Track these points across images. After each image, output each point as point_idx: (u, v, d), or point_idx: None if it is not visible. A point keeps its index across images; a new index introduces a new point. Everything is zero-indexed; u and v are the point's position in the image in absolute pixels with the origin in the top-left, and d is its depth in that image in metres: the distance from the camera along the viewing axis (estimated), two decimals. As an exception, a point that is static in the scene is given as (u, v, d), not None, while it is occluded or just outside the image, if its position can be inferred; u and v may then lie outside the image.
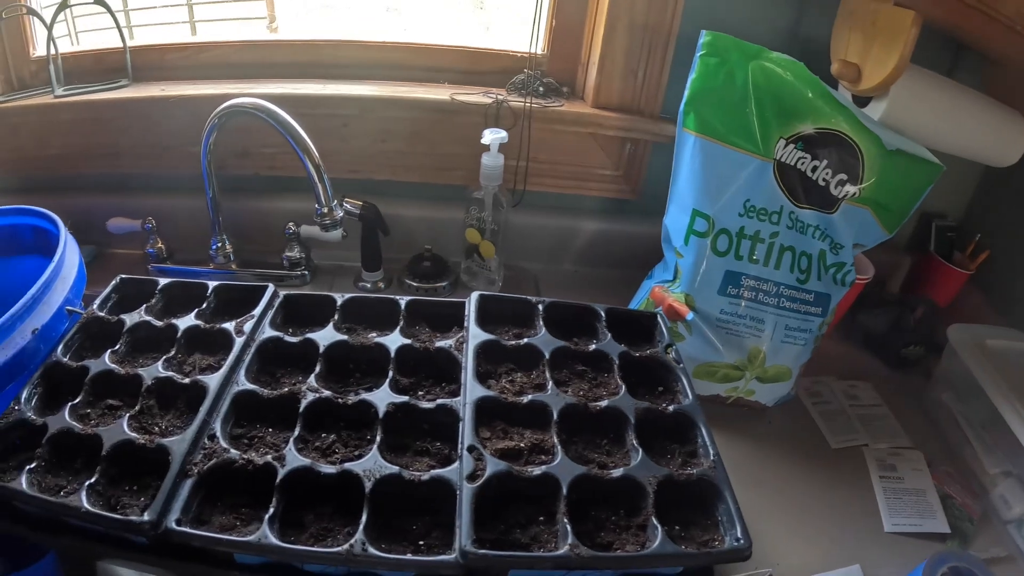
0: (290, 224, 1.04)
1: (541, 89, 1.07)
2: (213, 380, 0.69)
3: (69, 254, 0.80)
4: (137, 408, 0.67)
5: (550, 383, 0.74)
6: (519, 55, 1.12)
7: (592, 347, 0.81)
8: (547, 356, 0.78)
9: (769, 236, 0.92)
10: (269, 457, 0.62)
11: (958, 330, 0.99)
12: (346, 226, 0.95)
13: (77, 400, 0.68)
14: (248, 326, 0.76)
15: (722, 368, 0.95)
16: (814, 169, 0.92)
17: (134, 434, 0.64)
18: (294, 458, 0.62)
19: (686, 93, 0.91)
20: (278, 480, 0.60)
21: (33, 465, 0.61)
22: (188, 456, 0.62)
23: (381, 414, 0.68)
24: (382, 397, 0.70)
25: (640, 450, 0.68)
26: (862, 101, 0.95)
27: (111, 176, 1.14)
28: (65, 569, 0.70)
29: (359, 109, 1.03)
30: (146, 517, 0.56)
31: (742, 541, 0.61)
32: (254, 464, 0.62)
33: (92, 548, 0.60)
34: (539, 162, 1.09)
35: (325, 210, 0.87)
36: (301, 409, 0.67)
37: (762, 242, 0.92)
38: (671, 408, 0.74)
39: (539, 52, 1.10)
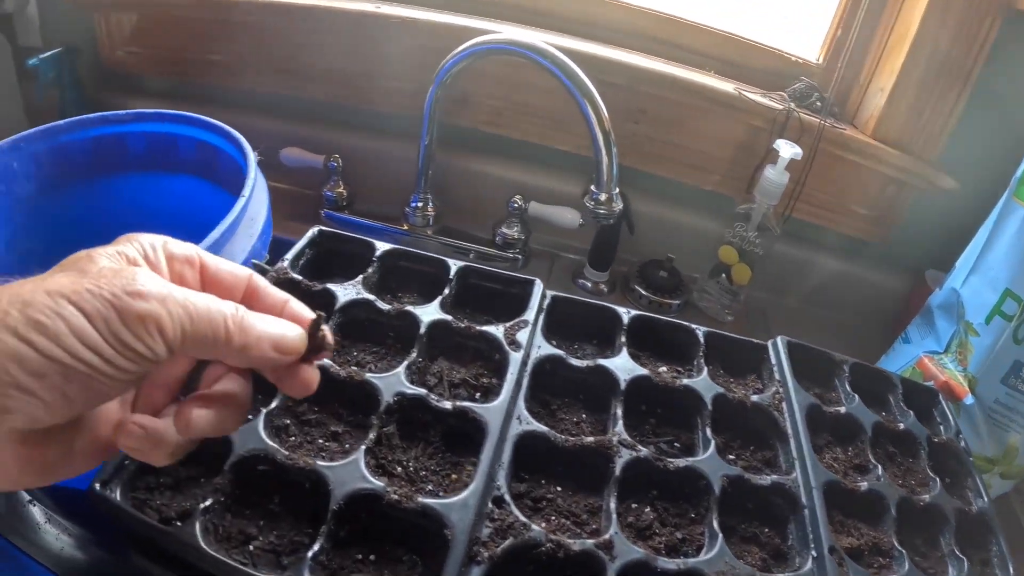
0: (516, 197, 0.84)
1: (819, 104, 0.86)
2: (491, 413, 0.49)
3: (258, 190, 0.64)
4: (373, 437, 0.46)
5: (879, 467, 0.56)
6: (793, 59, 0.92)
7: (902, 426, 0.62)
8: (869, 433, 0.59)
9: None
10: (590, 543, 0.42)
11: None
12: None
13: (272, 406, 0.47)
14: (523, 336, 0.56)
15: (977, 460, 0.79)
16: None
17: (376, 480, 0.43)
18: (628, 549, 0.43)
19: None
20: None
21: (209, 503, 0.41)
22: (473, 531, 0.41)
23: (717, 489, 0.48)
24: (714, 467, 0.50)
25: (965, 560, 0.52)
26: None
27: (287, 99, 0.96)
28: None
29: (626, 79, 0.83)
30: None
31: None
32: (567, 551, 0.42)
33: None
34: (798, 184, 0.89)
35: (604, 196, 0.66)
36: (617, 472, 0.48)
37: None
38: (974, 510, 0.57)
39: (814, 61, 0.90)
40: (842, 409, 0.60)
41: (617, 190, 0.66)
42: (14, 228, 0.69)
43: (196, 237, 0.79)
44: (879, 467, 0.56)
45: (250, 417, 0.45)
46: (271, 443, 0.44)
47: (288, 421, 0.49)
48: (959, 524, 0.55)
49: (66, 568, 0.44)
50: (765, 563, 0.47)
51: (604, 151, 0.65)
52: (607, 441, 0.49)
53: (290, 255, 0.62)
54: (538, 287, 0.61)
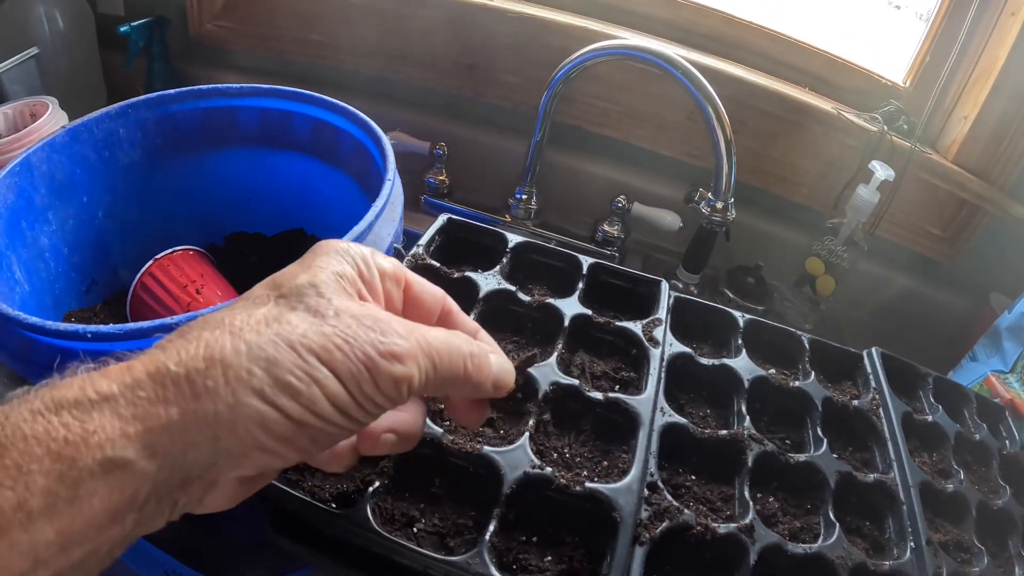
0: (620, 197, 0.88)
1: (905, 127, 0.90)
2: (642, 404, 0.53)
3: (396, 176, 0.64)
4: (533, 424, 0.50)
5: (961, 473, 0.61)
6: (883, 81, 0.95)
7: (977, 437, 0.67)
8: (952, 440, 0.64)
9: None
10: (734, 527, 0.48)
11: None
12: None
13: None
14: (659, 334, 0.61)
15: None
16: None
17: (538, 461, 0.46)
18: (765, 533, 0.48)
19: None
20: (752, 563, 0.46)
21: (376, 485, 0.44)
22: (636, 513, 0.45)
23: (833, 484, 0.54)
24: (828, 463, 0.55)
25: None
26: None
27: (390, 84, 0.97)
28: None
29: (732, 90, 0.86)
30: None
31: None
32: (713, 534, 0.47)
33: None
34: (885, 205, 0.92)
35: (720, 204, 0.70)
36: (750, 463, 0.53)
37: None
38: None
39: (902, 84, 0.93)
40: (929, 418, 0.65)
41: (732, 199, 0.71)
42: (114, 196, 0.70)
43: (308, 215, 0.79)
44: (960, 472, 0.61)
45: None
46: (435, 427, 0.47)
47: (442, 406, 0.51)
48: None
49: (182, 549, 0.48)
50: (868, 553, 0.52)
51: (725, 159, 0.68)
52: (739, 435, 0.55)
53: (423, 241, 0.65)
54: (665, 287, 0.66)
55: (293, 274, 0.29)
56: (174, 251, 0.70)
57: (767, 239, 0.96)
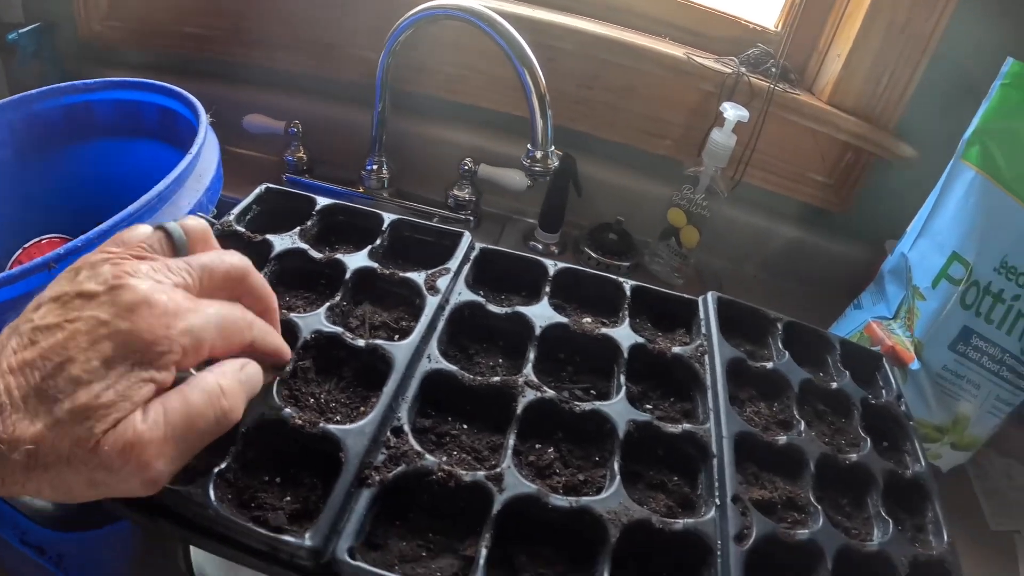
0: (466, 160, 0.84)
1: (775, 70, 0.85)
2: (401, 350, 0.48)
3: (208, 149, 0.65)
4: (288, 369, 0.46)
5: (802, 424, 0.54)
6: (752, 26, 0.91)
7: (834, 385, 0.60)
8: (795, 389, 0.57)
9: (1011, 299, 0.76)
10: (481, 475, 0.42)
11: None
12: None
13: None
14: (443, 283, 0.55)
15: (925, 427, 0.79)
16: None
17: (286, 407, 0.43)
18: (516, 481, 0.42)
19: (975, 122, 0.75)
20: (495, 511, 0.40)
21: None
22: (367, 456, 0.42)
23: (621, 434, 0.47)
24: (620, 412, 0.49)
25: (891, 522, 0.50)
26: None
27: (255, 69, 0.97)
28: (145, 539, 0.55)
29: (575, 44, 0.82)
30: (308, 542, 0.36)
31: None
32: (458, 481, 0.42)
33: (223, 551, 0.40)
34: (755, 151, 0.87)
35: (539, 153, 0.66)
36: (519, 411, 0.47)
37: (1003, 303, 0.76)
38: (908, 473, 0.55)
39: (773, 28, 0.89)
40: (769, 365, 0.59)
41: (552, 148, 0.66)
42: (-8, 195, 0.71)
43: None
44: (802, 423, 0.54)
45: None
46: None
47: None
48: (893, 487, 0.54)
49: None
50: (671, 510, 0.46)
51: (539, 114, 0.66)
52: (512, 381, 0.49)
53: (236, 210, 0.62)
54: (466, 238, 0.61)
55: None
56: (42, 239, 0.72)
57: (632, 195, 0.91)
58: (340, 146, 0.91)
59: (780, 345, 0.62)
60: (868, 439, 0.56)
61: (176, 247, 0.37)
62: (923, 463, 0.57)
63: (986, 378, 0.76)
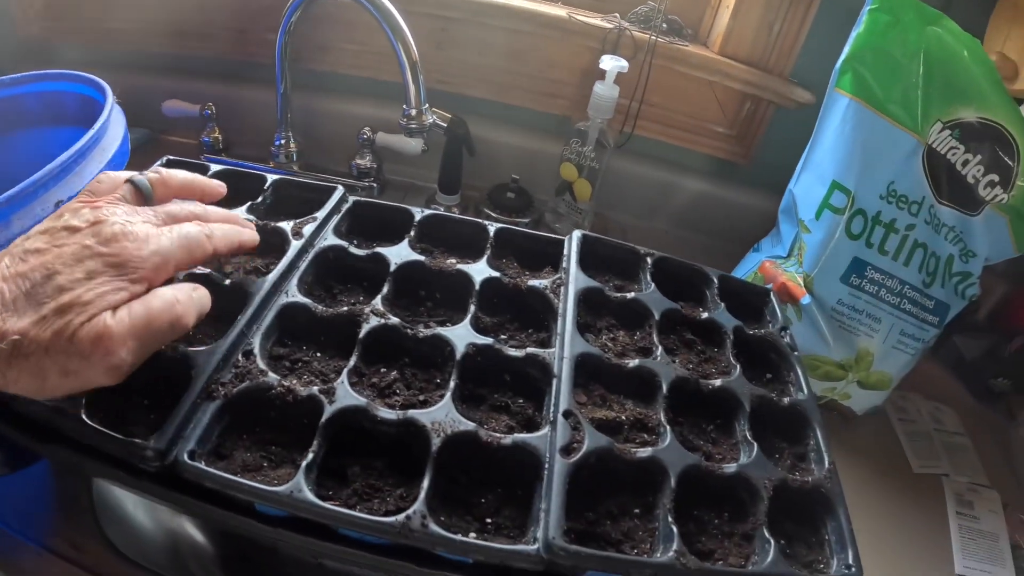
0: (365, 129, 0.87)
1: (664, 25, 0.87)
2: (258, 285, 0.53)
3: (113, 124, 0.68)
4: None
5: (659, 349, 0.56)
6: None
7: (704, 315, 0.62)
8: (656, 317, 0.60)
9: (905, 228, 0.76)
10: (315, 389, 0.46)
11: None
12: (428, 140, 0.77)
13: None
14: (308, 229, 0.59)
15: (826, 364, 0.79)
16: (964, 163, 0.76)
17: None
18: (346, 394, 0.46)
19: (847, 49, 0.74)
20: (323, 420, 0.44)
21: None
22: (215, 373, 0.46)
23: (459, 355, 0.51)
24: (461, 335, 0.52)
25: (755, 445, 0.51)
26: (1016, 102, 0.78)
27: (175, 57, 1.00)
28: (62, 477, 0.58)
29: (466, 12, 0.85)
30: (152, 443, 0.40)
31: (853, 569, 0.46)
32: (295, 395, 0.46)
33: (88, 464, 0.44)
34: (651, 105, 0.91)
35: (414, 111, 0.70)
36: (361, 335, 0.50)
37: (896, 232, 0.76)
38: (786, 400, 0.56)
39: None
40: (630, 295, 0.61)
41: (427, 105, 0.69)
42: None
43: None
44: (659, 348, 0.56)
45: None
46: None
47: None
48: (767, 414, 0.55)
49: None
50: (512, 430, 0.48)
51: (410, 77, 0.71)
52: (358, 310, 0.52)
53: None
54: (338, 191, 0.64)
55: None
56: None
57: (532, 156, 0.93)
58: (252, 125, 0.94)
59: (648, 278, 0.64)
60: (738, 366, 0.57)
61: (144, 196, 0.44)
62: (806, 391, 0.58)
63: (887, 312, 0.77)
